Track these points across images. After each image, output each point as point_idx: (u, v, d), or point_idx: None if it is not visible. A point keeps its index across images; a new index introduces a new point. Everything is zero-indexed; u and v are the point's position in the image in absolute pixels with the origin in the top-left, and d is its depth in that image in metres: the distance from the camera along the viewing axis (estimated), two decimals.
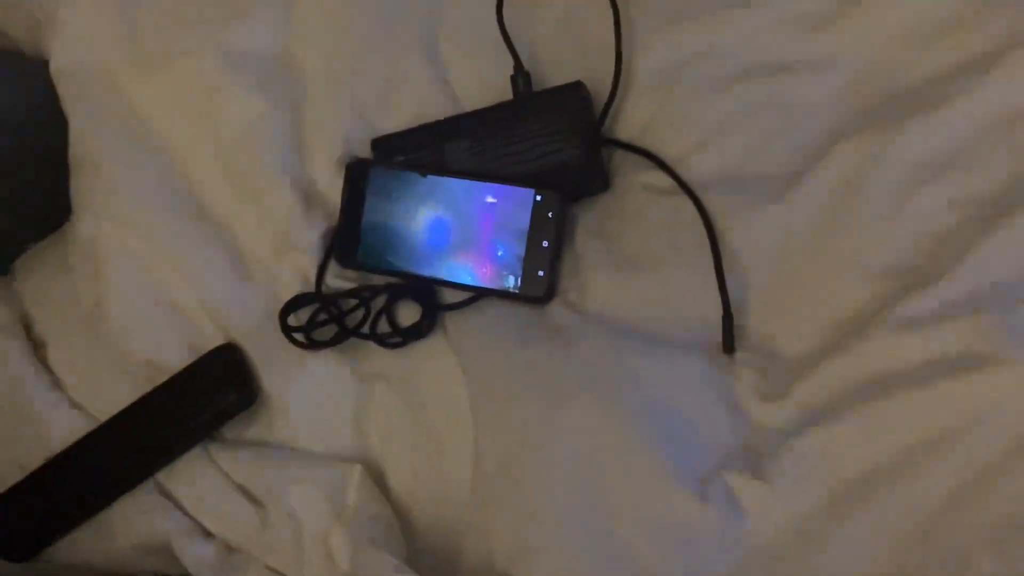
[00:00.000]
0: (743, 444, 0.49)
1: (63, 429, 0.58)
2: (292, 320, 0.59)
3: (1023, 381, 0.45)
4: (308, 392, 0.58)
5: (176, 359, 0.59)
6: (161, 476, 0.58)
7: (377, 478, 0.56)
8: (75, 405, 0.60)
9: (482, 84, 0.60)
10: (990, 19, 0.52)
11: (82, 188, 0.63)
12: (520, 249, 0.56)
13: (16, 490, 0.58)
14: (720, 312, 0.52)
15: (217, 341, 0.59)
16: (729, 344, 0.51)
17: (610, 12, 0.57)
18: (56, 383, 0.61)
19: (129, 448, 0.58)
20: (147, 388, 0.59)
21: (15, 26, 0.67)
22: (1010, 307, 0.46)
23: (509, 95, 0.59)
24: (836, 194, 0.52)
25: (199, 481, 0.57)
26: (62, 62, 0.63)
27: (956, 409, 0.46)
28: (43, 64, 0.64)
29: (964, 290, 0.47)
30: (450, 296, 0.58)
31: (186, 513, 0.56)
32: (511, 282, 0.56)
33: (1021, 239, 0.47)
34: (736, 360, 0.51)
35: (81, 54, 0.64)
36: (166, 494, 0.57)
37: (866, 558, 0.46)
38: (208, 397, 0.58)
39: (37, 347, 0.62)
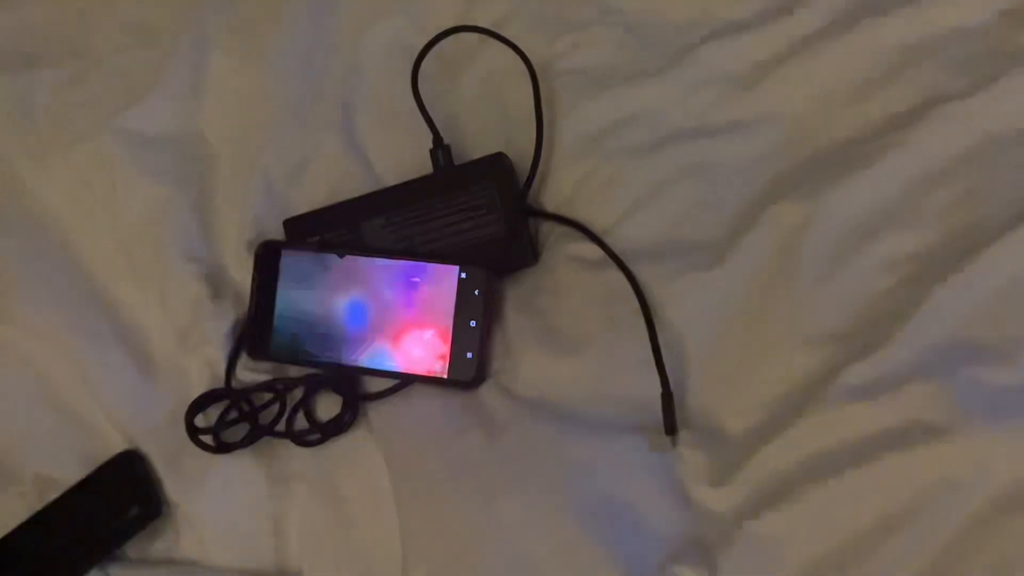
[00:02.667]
0: (692, 533, 0.46)
1: None
2: (200, 420, 0.54)
3: (975, 452, 0.42)
4: (219, 500, 0.53)
5: (72, 471, 0.54)
6: None
7: None
8: None
9: (401, 159, 0.58)
10: (910, 76, 0.51)
11: None
12: (447, 330, 0.52)
13: None
14: (659, 391, 0.48)
15: (117, 448, 0.54)
16: (670, 425, 0.48)
17: (529, 82, 0.55)
18: None
19: (19, 575, 0.52)
20: (39, 506, 0.53)
21: None
22: (955, 372, 0.44)
23: (430, 169, 0.56)
24: (771, 259, 0.50)
25: None
26: None
27: (908, 486, 0.43)
28: None
29: (906, 356, 0.45)
30: (374, 385, 0.54)
31: None
32: (438, 366, 0.52)
33: (958, 300, 0.45)
34: (679, 441, 0.48)
35: None
36: None
37: None
38: (107, 512, 0.53)
39: None
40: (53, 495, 0.53)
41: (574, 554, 0.45)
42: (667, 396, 0.48)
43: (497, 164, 0.54)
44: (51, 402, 0.56)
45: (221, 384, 0.55)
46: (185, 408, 0.54)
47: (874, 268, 0.48)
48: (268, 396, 0.54)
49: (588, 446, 0.48)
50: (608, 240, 0.52)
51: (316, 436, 0.53)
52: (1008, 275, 0.45)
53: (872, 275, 0.48)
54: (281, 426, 0.53)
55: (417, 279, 0.53)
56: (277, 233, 0.58)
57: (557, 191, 0.55)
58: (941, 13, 0.51)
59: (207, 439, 0.53)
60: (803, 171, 0.51)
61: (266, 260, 0.55)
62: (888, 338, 0.45)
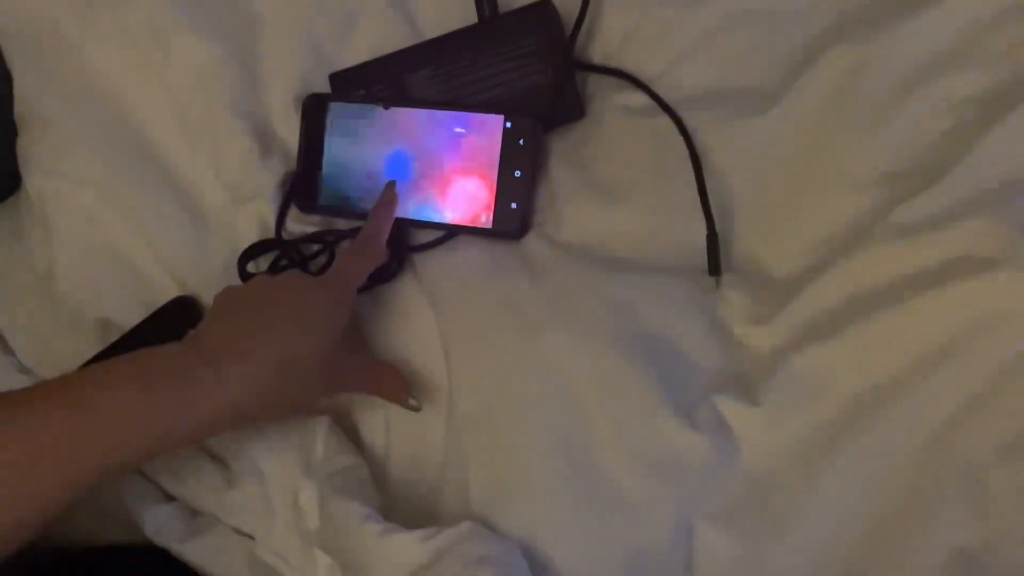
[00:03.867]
0: (734, 369, 0.46)
1: None
2: (252, 268, 0.55)
3: None
4: None
5: (130, 316, 0.56)
6: None
7: (351, 430, 0.53)
8: (24, 370, 0.56)
9: (446, 11, 0.57)
10: None
11: (29, 147, 0.60)
12: (491, 181, 0.53)
13: None
14: (705, 234, 0.48)
15: (172, 295, 0.56)
16: (715, 266, 0.48)
17: None
18: (5, 348, 0.57)
19: None
20: (101, 347, 0.55)
21: None
22: (1007, 207, 0.43)
23: (475, 20, 0.56)
24: (824, 104, 0.49)
25: None
26: (7, 18, 0.60)
27: (958, 317, 0.43)
28: None
29: (959, 193, 0.44)
30: (420, 236, 0.55)
31: (144, 475, 0.53)
32: (483, 217, 0.53)
33: (1015, 139, 0.44)
34: (723, 283, 0.48)
35: (27, 6, 0.60)
36: None
37: (867, 483, 0.43)
38: None
39: None
40: (114, 337, 0.55)
41: (614, 381, 0.45)
42: (712, 237, 0.48)
43: (543, 12, 0.53)
44: (109, 252, 0.57)
45: (271, 236, 0.56)
46: (236, 259, 0.55)
47: (931, 110, 0.47)
48: (317, 247, 0.55)
49: (631, 285, 0.48)
50: (656, 89, 0.52)
51: (363, 284, 0.54)
52: None
53: (928, 117, 0.47)
54: None
55: (462, 129, 0.53)
56: (324, 89, 0.58)
57: (604, 42, 0.55)
58: None
59: None
60: (861, 15, 0.50)
61: (313, 112, 0.56)
62: (941, 177, 0.44)
